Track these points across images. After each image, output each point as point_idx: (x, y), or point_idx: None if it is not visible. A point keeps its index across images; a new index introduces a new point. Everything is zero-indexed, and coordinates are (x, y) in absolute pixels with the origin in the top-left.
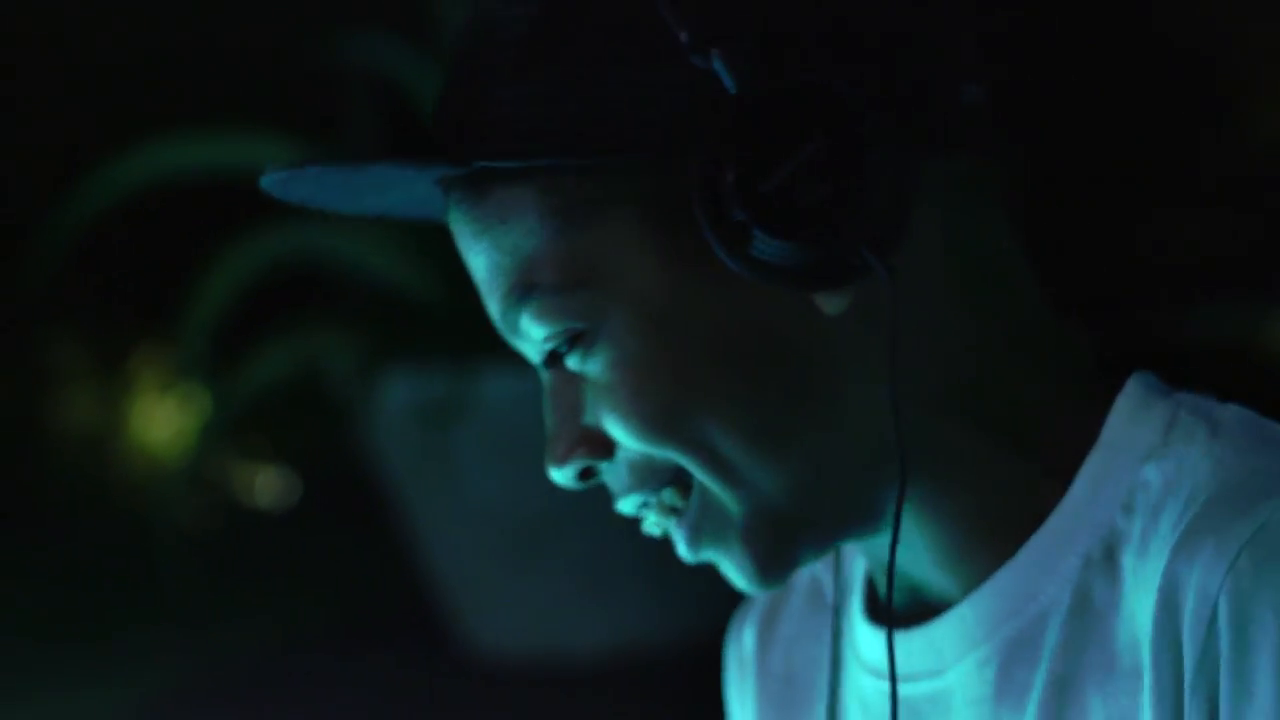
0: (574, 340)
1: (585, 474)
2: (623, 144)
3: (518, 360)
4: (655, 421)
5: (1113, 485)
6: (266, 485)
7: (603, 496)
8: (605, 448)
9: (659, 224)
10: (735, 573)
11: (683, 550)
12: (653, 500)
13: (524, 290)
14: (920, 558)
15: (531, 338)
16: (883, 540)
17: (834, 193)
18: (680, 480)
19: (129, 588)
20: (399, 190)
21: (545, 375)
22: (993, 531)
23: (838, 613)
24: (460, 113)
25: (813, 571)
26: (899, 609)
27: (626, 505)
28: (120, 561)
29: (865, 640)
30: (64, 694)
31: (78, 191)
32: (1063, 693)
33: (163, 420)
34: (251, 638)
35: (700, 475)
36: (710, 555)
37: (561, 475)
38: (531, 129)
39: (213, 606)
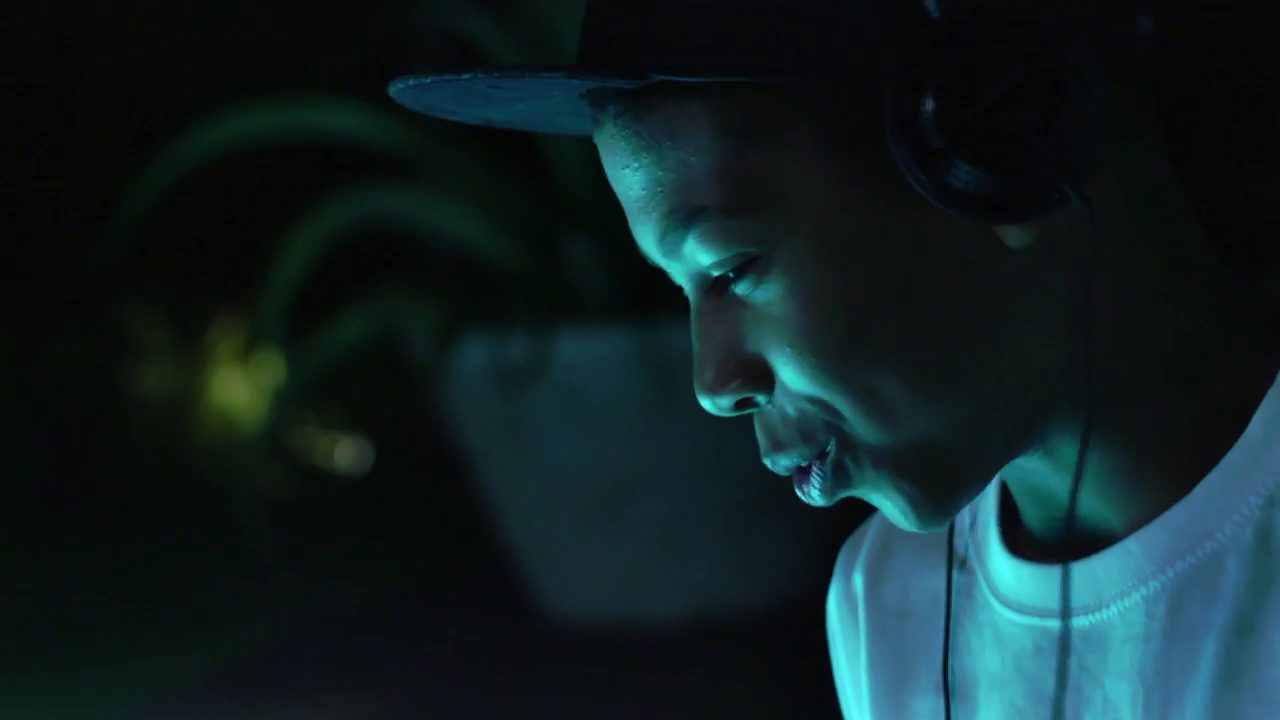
0: (745, 266)
1: (742, 404)
2: (813, 63)
3: (594, 324)
4: (831, 356)
5: None
6: (345, 451)
7: (682, 460)
8: (766, 379)
9: (842, 146)
10: (895, 511)
11: (816, 495)
12: (807, 451)
13: (692, 212)
14: (1083, 489)
15: (696, 263)
16: (1041, 470)
17: (1037, 121)
18: (834, 428)
19: (210, 552)
20: (536, 101)
21: (696, 298)
22: (1162, 467)
23: (967, 545)
24: (633, 22)
25: None
26: (1049, 542)
27: (781, 463)
28: (201, 526)
29: (1005, 572)
30: (148, 655)
31: (155, 160)
32: (1246, 634)
33: (241, 387)
34: (331, 602)
35: (858, 417)
36: (862, 494)
37: (716, 404)
38: (715, 43)
39: (293, 571)
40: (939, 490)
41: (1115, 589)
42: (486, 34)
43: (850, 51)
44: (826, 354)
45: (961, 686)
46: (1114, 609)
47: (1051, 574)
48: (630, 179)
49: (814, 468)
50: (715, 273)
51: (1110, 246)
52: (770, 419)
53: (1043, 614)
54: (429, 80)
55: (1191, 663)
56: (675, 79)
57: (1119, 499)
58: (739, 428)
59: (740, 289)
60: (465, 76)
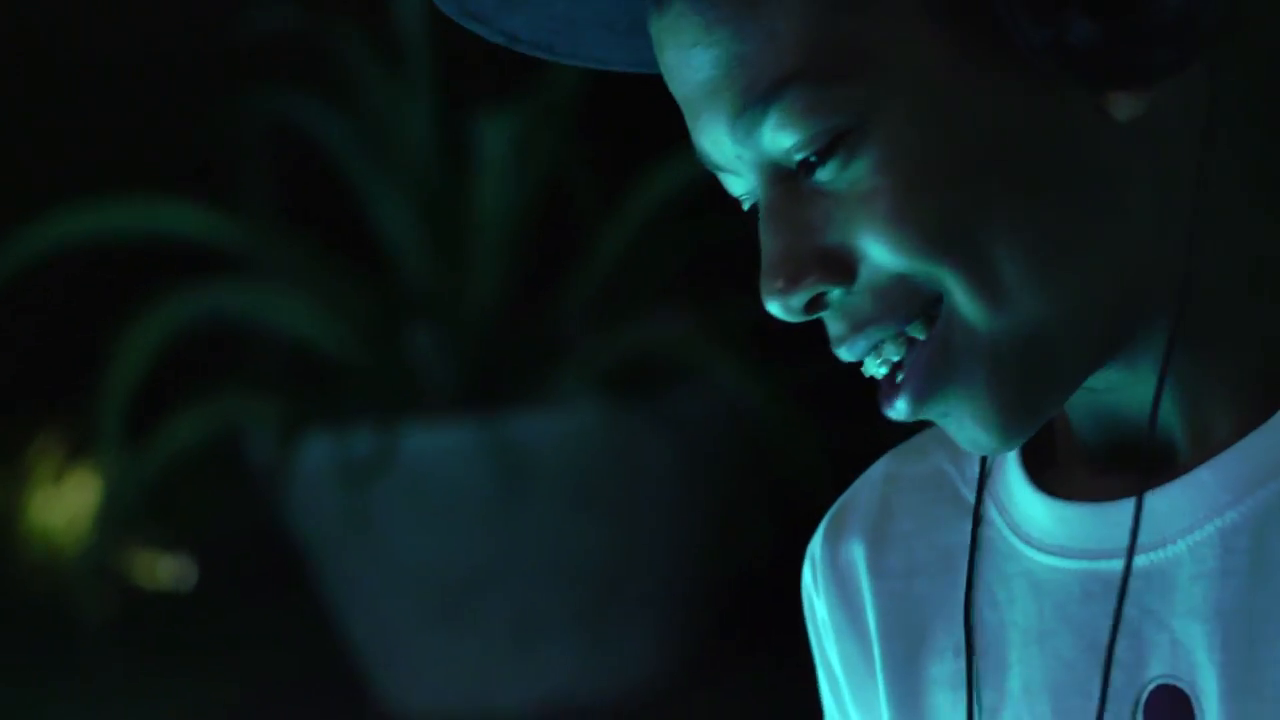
0: (836, 142)
1: (815, 303)
2: None
3: (438, 417)
4: (933, 227)
5: None
6: (177, 564)
7: (529, 553)
8: (847, 271)
9: (947, 7)
10: (972, 423)
11: (904, 404)
12: (893, 334)
13: (776, 83)
14: (1148, 411)
15: (775, 147)
16: (1116, 383)
17: None
18: (928, 310)
19: (37, 679)
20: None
21: (766, 194)
22: (1240, 391)
23: (981, 494)
24: None
25: (933, 463)
26: (1096, 464)
27: (860, 344)
28: (26, 651)
29: (1040, 515)
30: None
31: None
32: None
33: (66, 504)
34: (172, 715)
35: (965, 295)
36: (942, 405)
37: (787, 306)
38: None
39: (127, 694)
40: (1031, 392)
41: (1183, 523)
42: (325, 128)
43: None
44: (927, 222)
45: (988, 645)
46: (1181, 545)
47: (1099, 512)
48: (700, 59)
49: (907, 363)
50: (797, 156)
51: (1218, 137)
52: (853, 303)
53: (1091, 555)
54: None
55: None
56: None
57: (1192, 423)
58: (589, 517)
59: (823, 174)
60: None
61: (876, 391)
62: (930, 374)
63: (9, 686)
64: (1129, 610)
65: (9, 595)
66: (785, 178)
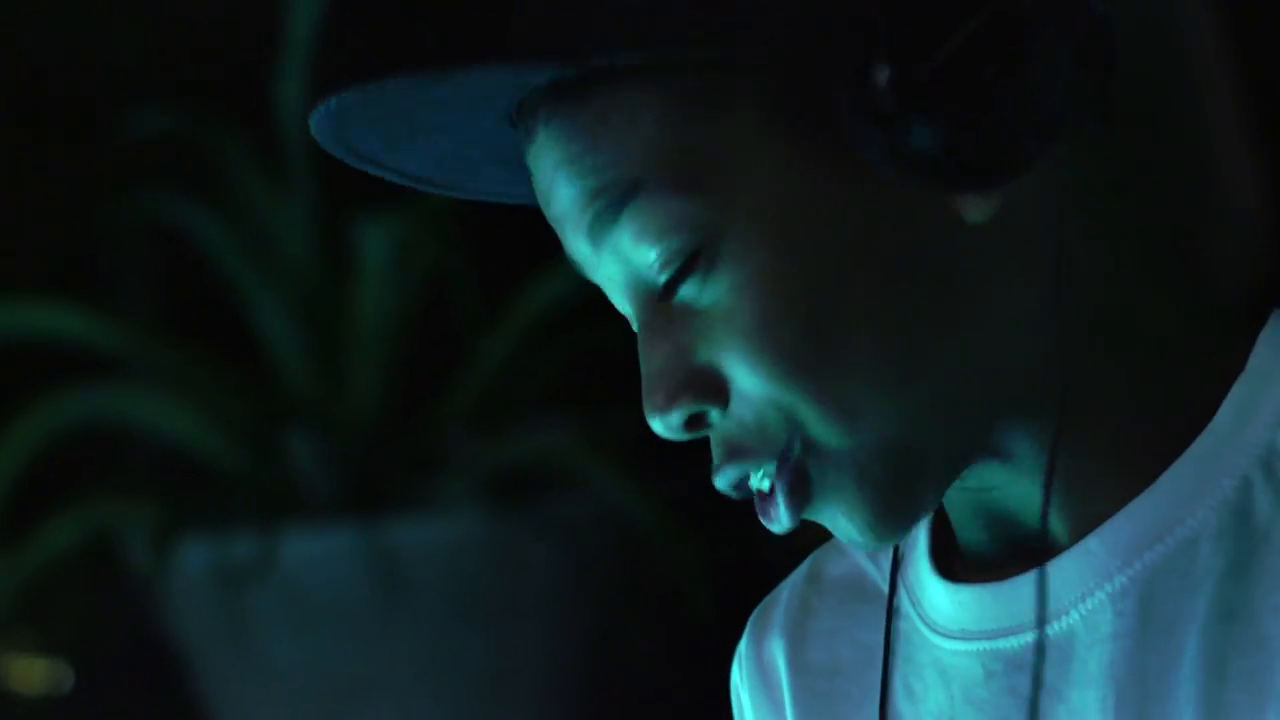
0: (692, 261)
1: (693, 422)
2: (756, 32)
3: (316, 522)
4: (787, 350)
5: (1265, 408)
6: (47, 672)
7: (409, 661)
8: (718, 391)
9: (789, 122)
10: (848, 525)
11: (783, 515)
12: (768, 453)
13: (627, 187)
14: (1034, 495)
15: (633, 260)
16: (997, 480)
17: (998, 72)
18: (796, 425)
19: None
20: (463, 129)
21: (639, 314)
22: (1124, 466)
23: (894, 588)
24: (563, 8)
25: (852, 561)
26: (986, 557)
27: (730, 474)
28: None
29: (942, 601)
30: None
31: None
32: (1229, 621)
33: None
34: None
35: (818, 420)
36: (817, 512)
37: (665, 425)
38: (651, 20)
39: None
40: (901, 497)
41: (1075, 592)
42: (208, 234)
43: (793, 19)
44: (782, 348)
45: None
46: (1075, 614)
47: (995, 592)
48: (562, 176)
49: (777, 482)
50: (660, 277)
51: (1070, 230)
52: (726, 431)
53: (989, 635)
54: (352, 93)
55: (1172, 657)
56: (619, 61)
57: (1076, 503)
58: (469, 626)
59: (685, 292)
60: (390, 81)
61: (754, 507)
62: (801, 488)
63: None
64: (1029, 687)
65: None
66: (655, 295)
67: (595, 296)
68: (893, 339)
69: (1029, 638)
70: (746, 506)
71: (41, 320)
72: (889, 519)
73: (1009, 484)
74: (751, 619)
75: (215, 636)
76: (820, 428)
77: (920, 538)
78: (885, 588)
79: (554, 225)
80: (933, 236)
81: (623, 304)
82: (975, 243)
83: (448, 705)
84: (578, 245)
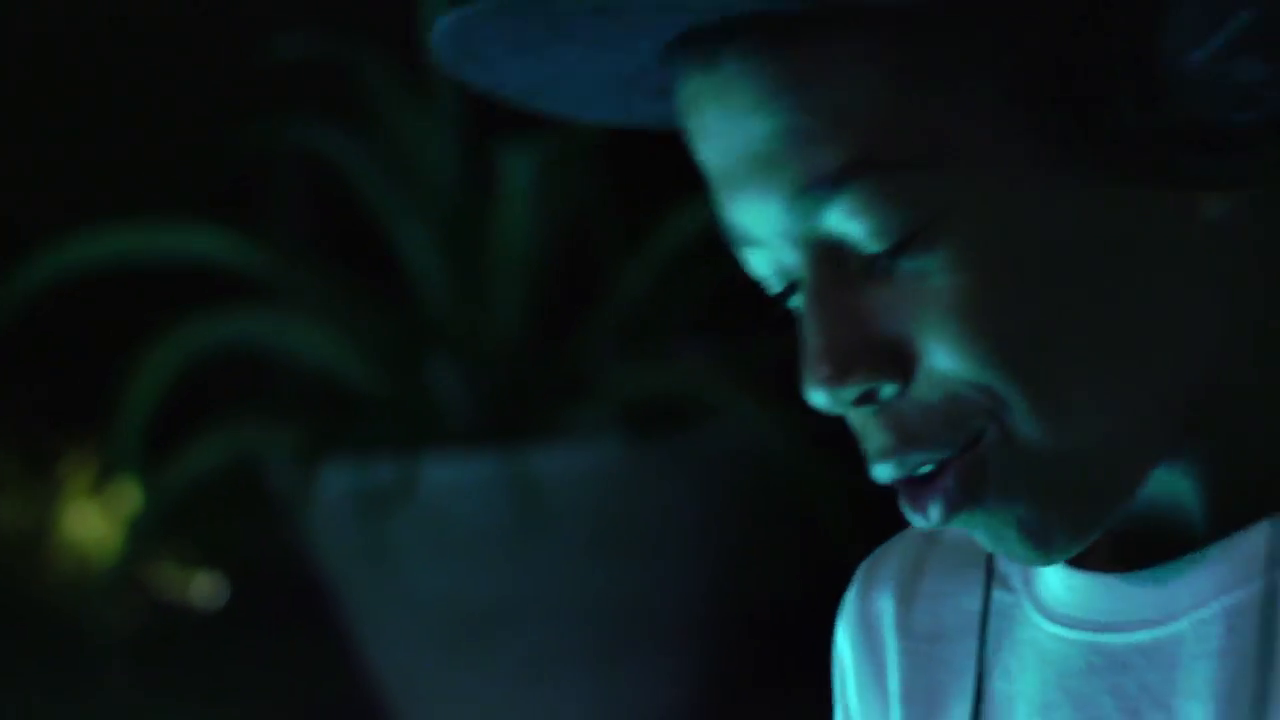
0: (911, 239)
1: (865, 398)
2: (1016, 5)
3: (458, 449)
4: (1006, 337)
5: None
6: (201, 585)
7: (548, 588)
8: (903, 367)
9: (1032, 98)
10: (1018, 536)
11: (939, 510)
12: (951, 442)
13: (848, 168)
14: (1182, 492)
15: (838, 233)
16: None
17: (1268, 71)
18: (997, 412)
19: (61, 694)
20: (609, 49)
21: (813, 274)
22: (1271, 482)
23: (999, 562)
24: None
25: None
26: (1108, 545)
27: (901, 466)
28: (52, 666)
29: (1054, 583)
30: None
31: (1, 285)
32: None
33: (95, 519)
34: None
35: (1026, 414)
36: (981, 517)
37: (834, 398)
38: None
39: (148, 711)
40: (1085, 513)
41: (1189, 600)
42: (352, 159)
43: None
44: (1005, 335)
45: (997, 715)
46: (1185, 622)
47: (1109, 584)
48: (755, 129)
49: (951, 469)
50: (870, 248)
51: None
52: (901, 412)
53: (1096, 628)
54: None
55: None
56: (844, 2)
57: (1216, 507)
58: (608, 555)
59: (887, 262)
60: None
61: (899, 495)
62: (975, 484)
63: (31, 699)
64: (1128, 686)
65: (38, 609)
66: (837, 258)
67: None
68: (1113, 339)
69: (1138, 637)
70: None
71: (189, 244)
72: (1066, 531)
73: (1163, 481)
74: (861, 571)
75: (356, 561)
76: (1026, 419)
77: None
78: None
79: (716, 169)
80: (1166, 231)
81: (780, 261)
82: (1205, 240)
83: (585, 634)
84: (756, 203)
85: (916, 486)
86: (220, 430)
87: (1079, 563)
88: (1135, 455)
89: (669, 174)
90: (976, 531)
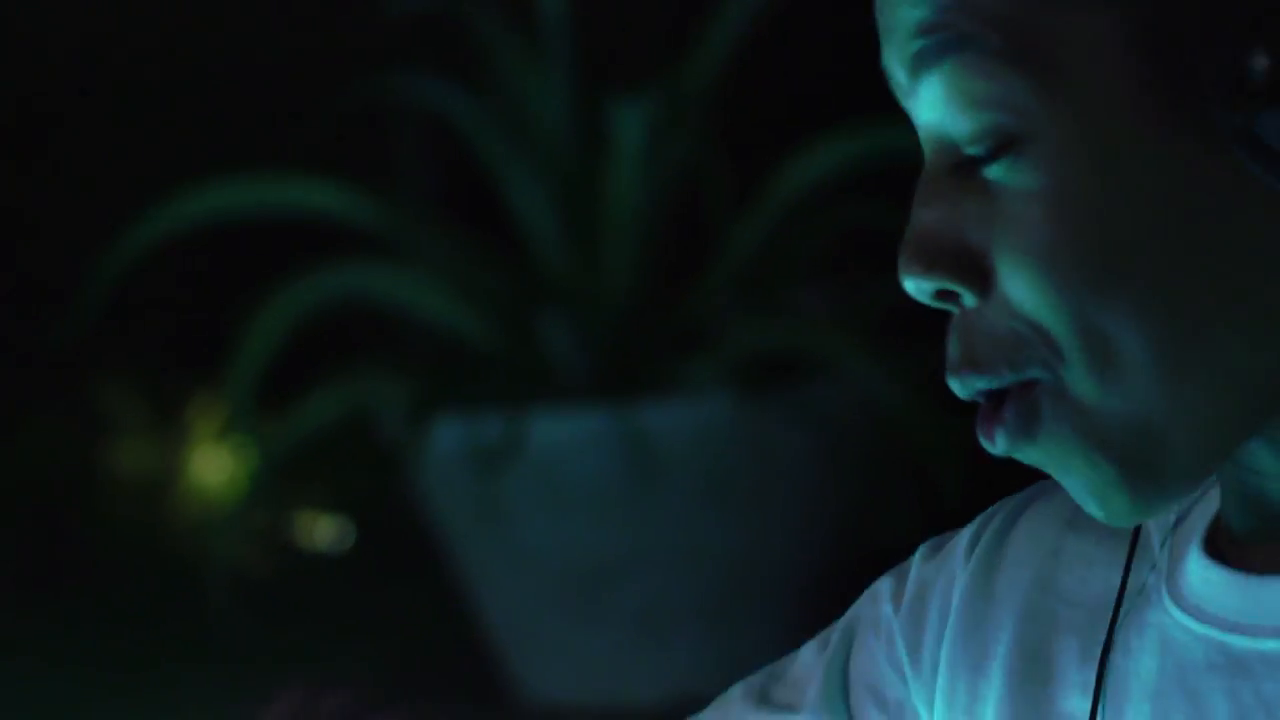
0: (1005, 145)
1: (943, 295)
2: None
3: (571, 405)
4: (1075, 282)
5: None
6: (318, 532)
7: (661, 543)
8: (981, 279)
9: (1155, 48)
10: (1083, 491)
11: (1000, 441)
12: (1008, 378)
13: (960, 37)
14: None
15: (942, 113)
16: (1256, 459)
17: None
18: (1051, 360)
19: (183, 638)
20: None
21: (930, 161)
22: None
23: (1163, 543)
24: None
25: None
26: (1248, 541)
27: (968, 386)
28: (176, 610)
29: (1192, 572)
30: None
31: (128, 234)
32: None
33: (216, 466)
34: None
35: (1084, 362)
36: (1046, 457)
37: (916, 287)
38: None
39: (267, 655)
40: (1142, 480)
41: None
42: (463, 112)
43: None
44: (1071, 278)
45: (1111, 692)
46: None
47: (1246, 584)
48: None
49: (1009, 403)
50: (968, 149)
51: None
52: (973, 329)
53: (1223, 626)
54: None
55: None
56: None
57: None
58: (720, 510)
59: (990, 172)
60: None
61: (979, 418)
62: (1030, 424)
63: (157, 642)
64: (1244, 692)
65: (164, 553)
66: (950, 152)
67: (851, 177)
68: (1187, 310)
69: (1265, 644)
70: None
71: (307, 197)
72: (1126, 496)
73: (1273, 460)
74: (1025, 495)
75: (468, 516)
76: (1076, 369)
77: (1208, 506)
78: (1156, 535)
79: (885, 42)
80: (1256, 210)
81: (919, 123)
82: None
83: (696, 588)
84: (895, 45)
85: (984, 413)
86: (337, 383)
87: (1223, 556)
88: (1200, 430)
89: (781, 126)
90: (1052, 471)
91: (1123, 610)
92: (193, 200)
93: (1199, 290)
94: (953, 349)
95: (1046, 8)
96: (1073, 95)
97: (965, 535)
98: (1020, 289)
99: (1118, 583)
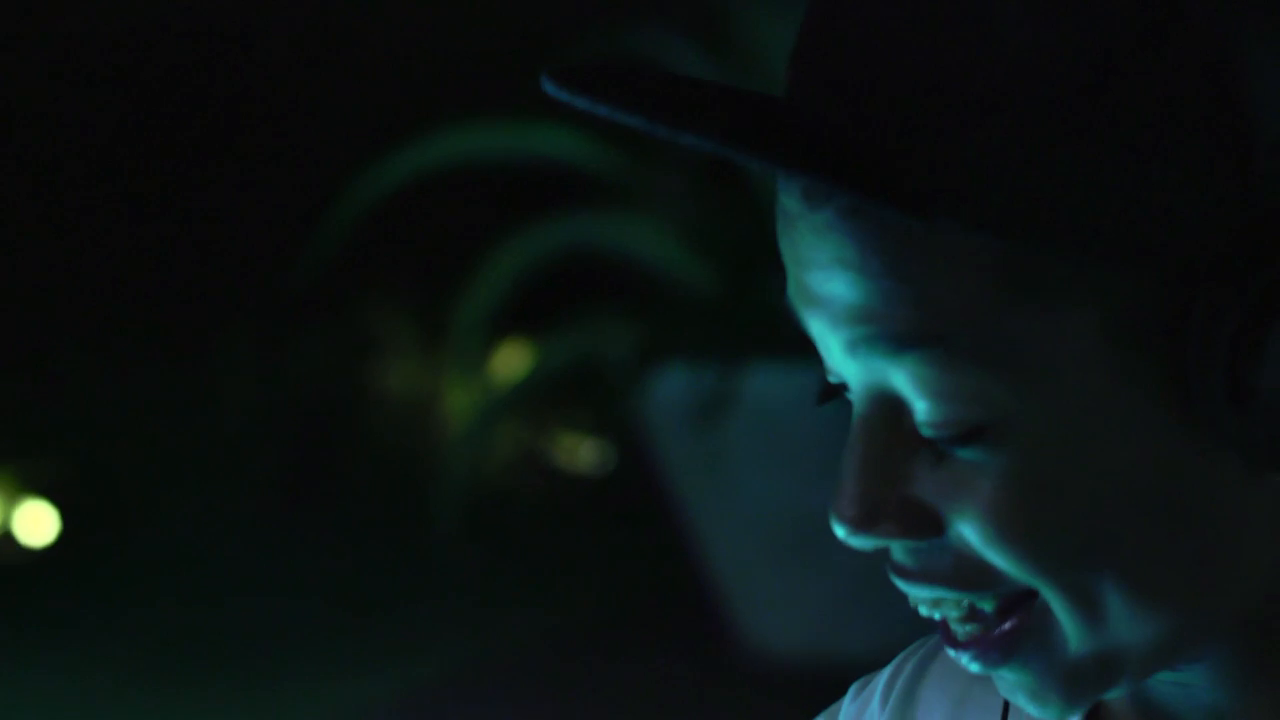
0: (971, 434)
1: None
2: (1134, 252)
3: (794, 358)
4: (1041, 554)
5: None
6: (577, 455)
7: None
8: (932, 531)
9: (1128, 340)
10: (1030, 696)
11: (971, 665)
12: (964, 602)
13: (925, 339)
14: (1186, 703)
15: (902, 395)
16: (1163, 676)
17: None
18: (1011, 595)
19: (414, 564)
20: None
21: (864, 411)
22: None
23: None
24: (924, 129)
25: None
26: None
27: (920, 595)
28: (416, 532)
29: None
30: (347, 673)
31: (387, 161)
32: None
33: (478, 389)
34: (525, 626)
35: (1063, 613)
36: (1005, 673)
37: (854, 540)
38: (1027, 200)
39: (494, 587)
40: (1090, 694)
41: None
42: (697, 64)
43: (1176, 249)
44: (1041, 550)
45: None
46: None
47: None
48: (838, 277)
49: (995, 634)
50: (926, 431)
51: None
52: (934, 563)
53: None
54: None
55: None
56: (965, 226)
57: (1228, 710)
58: None
59: (966, 454)
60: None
61: (941, 630)
62: (1002, 654)
63: (393, 571)
64: None
65: (420, 474)
66: (893, 412)
67: None
68: (1153, 570)
69: None
70: None
71: (542, 143)
72: (1073, 701)
73: (1171, 679)
74: (892, 668)
75: (691, 463)
76: (1064, 618)
77: None
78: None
79: (794, 278)
80: (1228, 488)
81: (842, 376)
82: (1268, 496)
83: None
84: (822, 331)
85: (953, 638)
86: (574, 322)
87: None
88: (1155, 654)
89: None
90: (996, 681)
91: None
92: (443, 141)
93: (1177, 553)
94: (905, 559)
95: (1013, 308)
96: (1048, 389)
97: (883, 677)
98: (990, 551)
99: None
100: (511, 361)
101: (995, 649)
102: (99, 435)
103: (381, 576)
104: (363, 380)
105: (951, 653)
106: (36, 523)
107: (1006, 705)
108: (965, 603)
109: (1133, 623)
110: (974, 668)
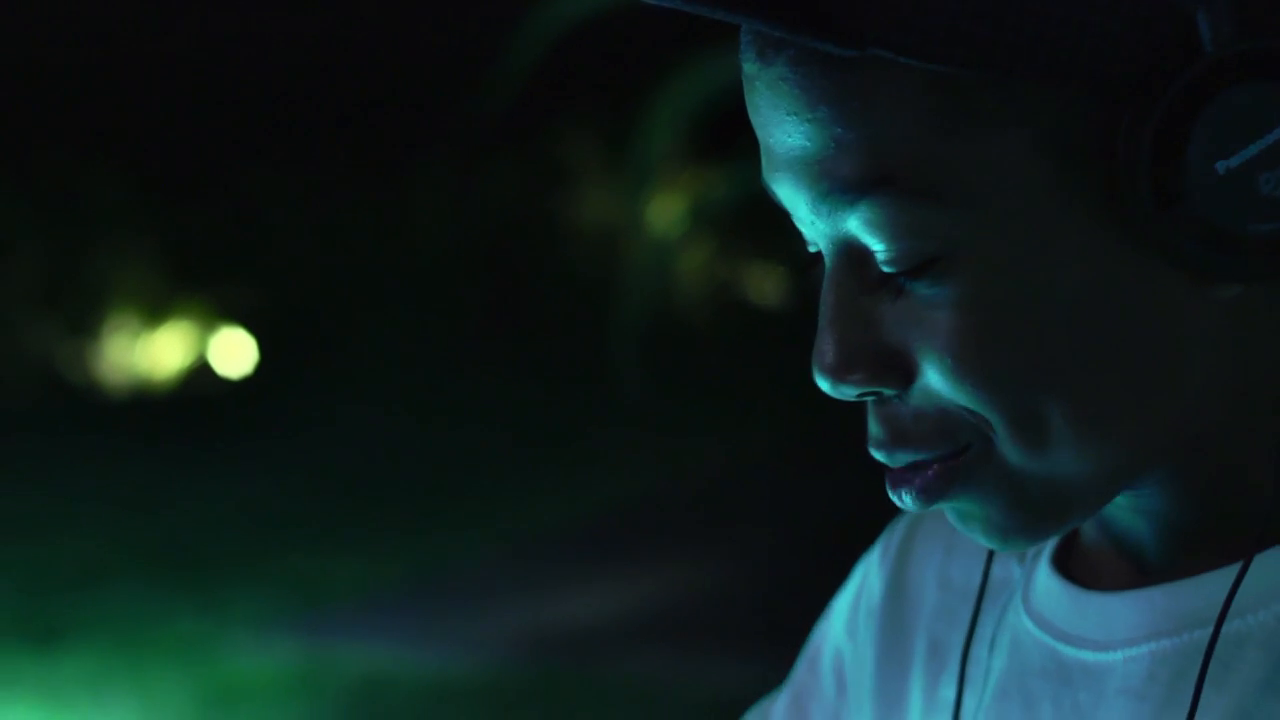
0: (924, 266)
1: (866, 394)
2: (1057, 67)
3: None
4: (1001, 379)
5: None
6: (764, 288)
7: None
8: (902, 377)
9: (1063, 160)
10: (983, 526)
11: (911, 501)
12: (941, 450)
13: (873, 181)
14: (1147, 527)
15: (860, 239)
16: (1120, 502)
17: None
18: (983, 430)
19: (609, 394)
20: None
21: (834, 267)
22: (1231, 532)
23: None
24: None
25: None
26: (1095, 557)
27: (904, 455)
28: (588, 364)
29: (1042, 590)
30: (527, 500)
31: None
32: None
33: (668, 220)
34: (706, 455)
35: (1008, 439)
36: (951, 507)
37: (834, 390)
38: (954, 25)
39: (677, 419)
40: (1046, 524)
41: (1125, 633)
42: None
43: (1099, 64)
44: (996, 376)
45: (973, 684)
46: (1119, 654)
47: (1077, 597)
48: (795, 129)
49: (931, 468)
50: (884, 268)
51: None
52: (898, 415)
53: (1056, 635)
54: None
55: None
56: (899, 58)
57: (1178, 551)
58: None
59: (906, 283)
60: None
61: (884, 474)
62: (947, 485)
63: (580, 399)
64: (1064, 699)
65: (610, 304)
66: (858, 261)
67: None
68: (1106, 392)
69: (1083, 655)
70: None
71: None
72: (1025, 535)
73: (1129, 505)
74: (907, 517)
75: None
76: (1009, 445)
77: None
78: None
79: (762, 146)
80: (1173, 304)
81: (814, 239)
82: (1212, 317)
83: None
84: (788, 190)
85: (899, 474)
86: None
87: (1068, 567)
88: (1105, 481)
89: None
90: (948, 514)
91: (998, 604)
92: None
93: (1121, 375)
94: (877, 430)
95: (952, 137)
96: (992, 214)
97: (880, 541)
98: (950, 386)
99: (1000, 577)
100: (698, 190)
101: (935, 480)
102: (296, 263)
103: (566, 405)
104: (554, 208)
105: (892, 494)
106: (234, 351)
107: (991, 553)
108: (943, 450)
109: (1078, 446)
110: (915, 506)
